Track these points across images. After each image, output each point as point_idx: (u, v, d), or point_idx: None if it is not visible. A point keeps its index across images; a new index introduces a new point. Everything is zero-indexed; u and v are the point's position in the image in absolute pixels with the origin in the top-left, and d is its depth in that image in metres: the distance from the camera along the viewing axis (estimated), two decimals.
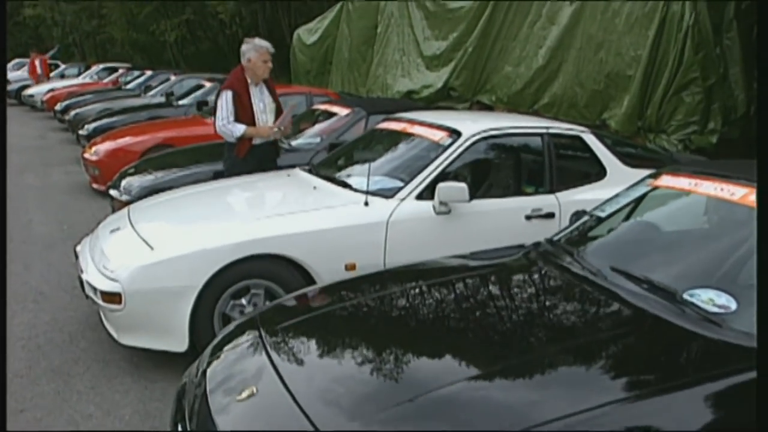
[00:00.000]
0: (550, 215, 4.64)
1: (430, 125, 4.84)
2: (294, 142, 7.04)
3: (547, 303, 2.80)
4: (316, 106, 8.19)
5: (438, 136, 4.66)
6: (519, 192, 4.89)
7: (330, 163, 5.29)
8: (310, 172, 5.11)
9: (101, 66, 24.93)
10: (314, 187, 4.64)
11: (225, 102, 5.68)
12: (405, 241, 4.24)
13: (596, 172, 4.95)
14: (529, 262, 3.14)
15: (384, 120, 5.51)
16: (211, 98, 11.96)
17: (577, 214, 3.70)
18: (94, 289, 3.93)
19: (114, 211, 6.53)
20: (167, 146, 8.84)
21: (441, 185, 4.24)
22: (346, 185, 4.58)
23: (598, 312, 2.63)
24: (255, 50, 5.73)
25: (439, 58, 11.83)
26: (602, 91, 9.17)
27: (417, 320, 2.78)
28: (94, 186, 8.89)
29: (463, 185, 4.20)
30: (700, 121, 8.54)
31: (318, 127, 7.26)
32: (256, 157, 5.70)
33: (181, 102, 12.31)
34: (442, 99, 11.55)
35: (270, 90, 5.90)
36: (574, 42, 9.46)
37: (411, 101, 10.85)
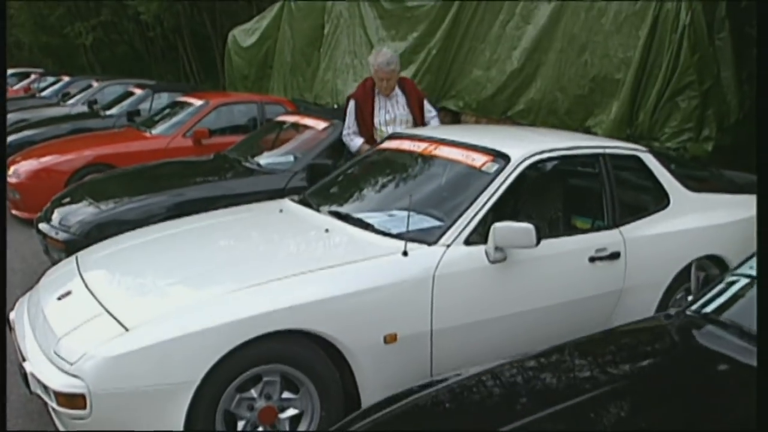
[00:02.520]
0: (615, 255, 3.77)
1: (464, 146, 3.88)
2: (262, 161, 5.99)
3: None
4: (281, 118, 7.10)
5: (479, 160, 3.71)
6: (573, 228, 4.02)
7: (329, 194, 4.29)
8: (306, 204, 4.10)
9: (10, 71, 22.98)
10: (326, 230, 3.62)
11: (349, 112, 5.51)
12: (455, 300, 3.30)
13: (658, 199, 4.12)
14: (686, 356, 2.23)
15: (390, 138, 4.54)
16: (144, 106, 10.80)
17: (700, 267, 2.84)
18: (45, 388, 2.83)
19: (48, 253, 5.34)
20: (101, 165, 7.61)
21: (498, 226, 3.30)
22: (367, 226, 3.57)
23: None
24: (372, 64, 5.36)
25: None
26: (586, 96, 8.40)
27: None
28: (15, 213, 7.57)
29: (529, 226, 3.28)
30: (695, 128, 7.88)
31: (289, 144, 6.22)
32: None
33: (108, 112, 10.98)
34: None
35: (410, 101, 5.38)
36: (554, 43, 8.66)
37: None
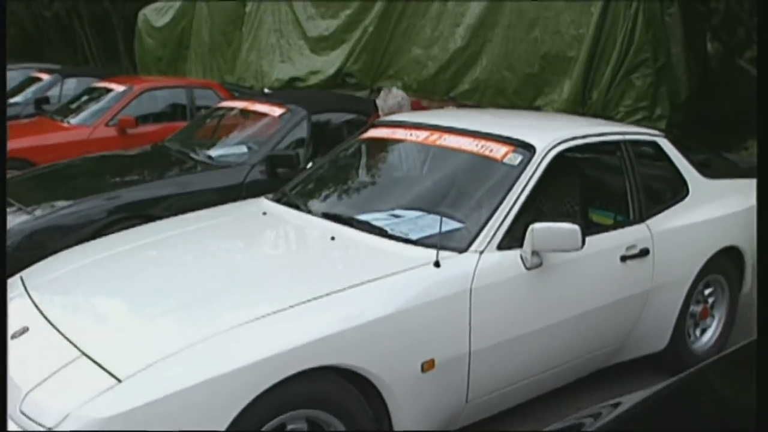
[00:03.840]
0: (645, 252, 3.42)
1: (475, 135, 3.41)
2: (213, 154, 5.36)
3: None
4: (223, 104, 6.44)
5: (499, 151, 3.25)
6: (594, 224, 3.65)
7: (315, 191, 3.75)
8: (291, 205, 3.55)
9: None
10: (332, 238, 3.09)
11: None
12: (493, 315, 2.87)
13: (677, 188, 3.79)
14: None
15: (376, 126, 4.02)
16: (52, 93, 9.90)
17: None
18: None
19: None
20: (15, 161, 6.75)
21: (538, 227, 2.88)
22: (381, 232, 3.07)
23: None
24: (381, 109, 4.84)
25: (327, 40, 10.33)
26: (537, 74, 8.13)
27: None
28: None
29: (573, 227, 2.86)
30: (649, 107, 7.72)
31: (239, 132, 5.60)
32: None
33: (12, 99, 9.96)
34: (335, 86, 10.08)
35: None
36: (501, 19, 8.32)
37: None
